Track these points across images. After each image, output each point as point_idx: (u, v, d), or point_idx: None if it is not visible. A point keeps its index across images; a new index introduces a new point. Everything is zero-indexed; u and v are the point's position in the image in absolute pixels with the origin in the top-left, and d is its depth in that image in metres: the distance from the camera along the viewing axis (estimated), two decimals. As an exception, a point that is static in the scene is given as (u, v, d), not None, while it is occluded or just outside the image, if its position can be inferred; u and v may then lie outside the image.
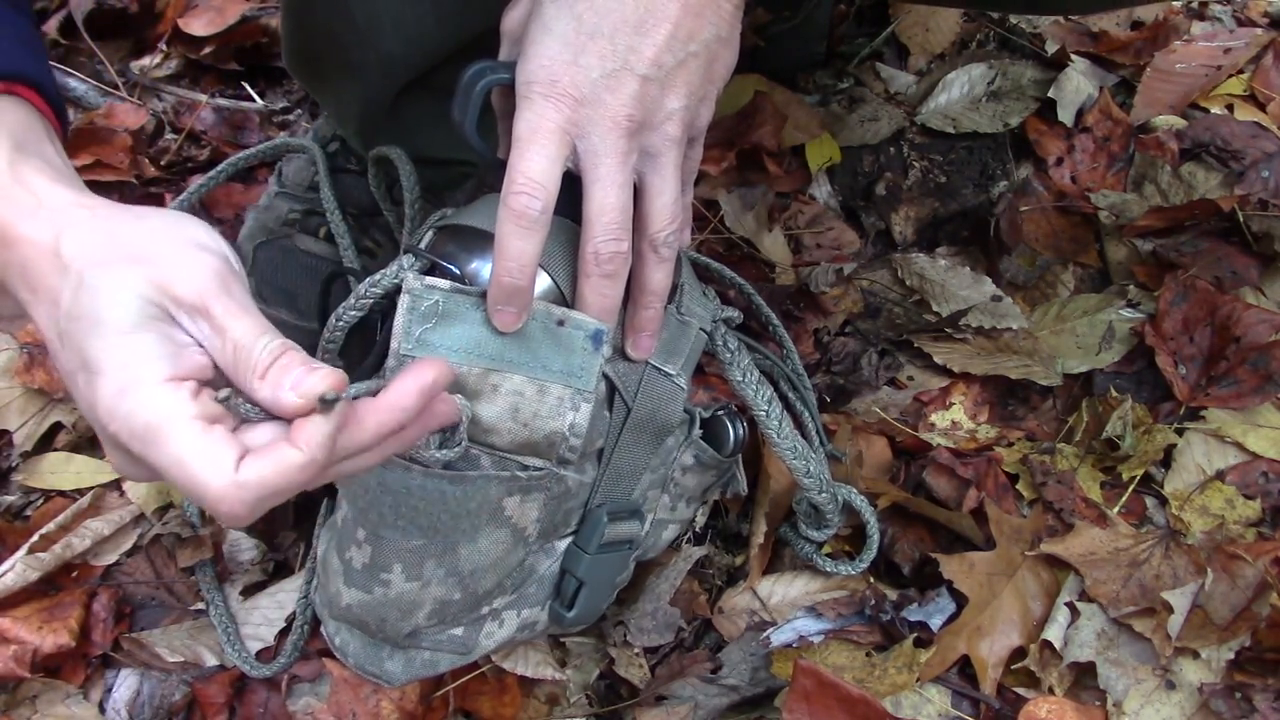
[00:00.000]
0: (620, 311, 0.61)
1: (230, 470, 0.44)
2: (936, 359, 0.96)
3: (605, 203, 0.56)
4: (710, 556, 0.88)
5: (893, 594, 0.82)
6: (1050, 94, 1.13)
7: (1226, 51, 1.17)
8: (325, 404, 0.45)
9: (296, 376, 0.46)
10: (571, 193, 0.56)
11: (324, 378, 0.46)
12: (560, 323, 0.58)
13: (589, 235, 0.56)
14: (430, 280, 0.56)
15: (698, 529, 0.87)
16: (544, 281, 0.60)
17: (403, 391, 0.48)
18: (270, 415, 0.47)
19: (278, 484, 0.45)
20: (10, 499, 0.92)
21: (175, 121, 1.23)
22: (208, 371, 0.47)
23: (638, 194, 0.58)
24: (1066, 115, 1.13)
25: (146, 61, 1.29)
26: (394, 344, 0.56)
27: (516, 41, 0.58)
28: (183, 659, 0.82)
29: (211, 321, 0.47)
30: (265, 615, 0.84)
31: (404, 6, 0.76)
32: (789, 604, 0.83)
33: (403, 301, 0.56)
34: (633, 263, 0.59)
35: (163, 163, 1.18)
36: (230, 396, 0.47)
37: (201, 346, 0.48)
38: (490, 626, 0.68)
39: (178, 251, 0.48)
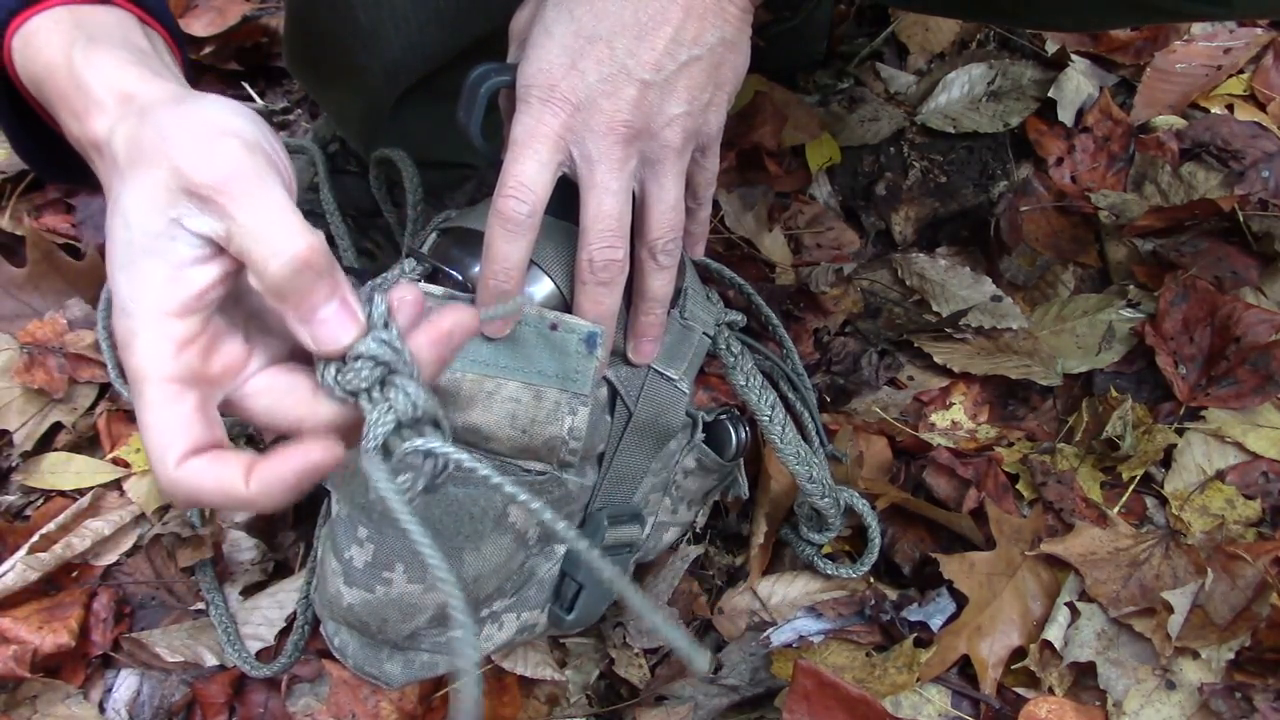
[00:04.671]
0: (623, 316, 0.61)
1: (173, 460, 0.41)
2: (936, 359, 0.96)
3: (600, 210, 0.55)
4: (710, 557, 0.88)
5: (893, 594, 0.82)
6: (1050, 94, 1.13)
7: (1226, 51, 1.17)
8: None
9: (322, 311, 0.42)
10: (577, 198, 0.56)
11: (351, 335, 0.41)
12: (553, 327, 0.58)
13: (584, 242, 0.56)
14: (424, 286, 0.56)
15: (698, 529, 0.87)
16: (547, 286, 0.60)
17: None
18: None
19: (209, 499, 0.42)
20: (10, 499, 0.92)
21: (175, 121, 1.23)
22: (212, 290, 0.43)
23: (637, 200, 0.58)
24: (1066, 115, 1.13)
25: (146, 61, 1.29)
26: None
27: (523, 44, 0.58)
28: (183, 659, 0.82)
29: (220, 209, 0.42)
30: (265, 615, 0.84)
31: (407, 10, 0.76)
32: (789, 604, 0.83)
33: None
34: (633, 269, 0.59)
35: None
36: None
37: (221, 251, 0.43)
38: (490, 629, 0.68)
39: (196, 138, 0.43)
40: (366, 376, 0.41)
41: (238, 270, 0.43)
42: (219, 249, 0.43)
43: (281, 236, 0.41)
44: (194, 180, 0.42)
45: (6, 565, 0.83)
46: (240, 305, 0.45)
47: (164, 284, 0.42)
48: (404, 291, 0.44)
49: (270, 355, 0.45)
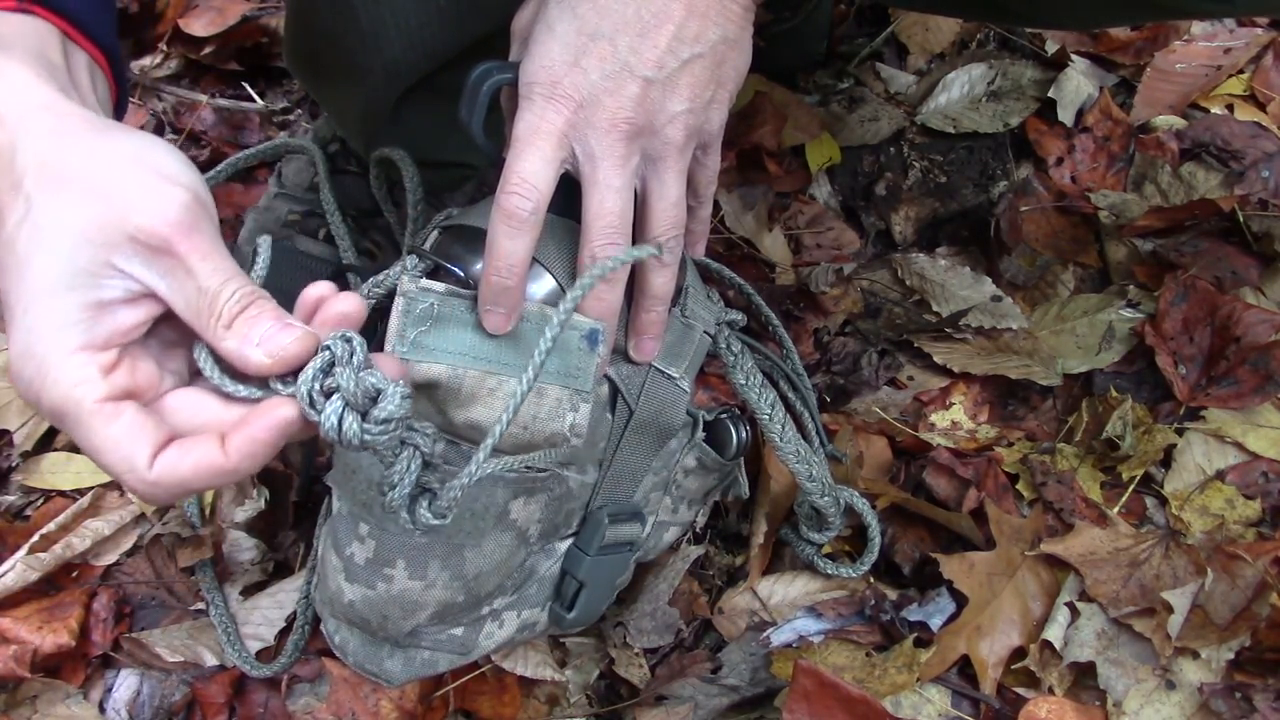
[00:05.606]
0: (624, 314, 0.61)
1: (144, 466, 0.41)
2: (936, 359, 0.96)
3: (602, 207, 0.56)
4: (710, 557, 0.88)
5: (893, 594, 0.82)
6: (1050, 94, 1.13)
7: (1226, 51, 1.17)
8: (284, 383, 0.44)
9: (266, 330, 0.44)
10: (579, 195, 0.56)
11: (297, 338, 0.44)
12: None
13: (586, 239, 0.56)
14: (425, 283, 0.56)
15: (698, 529, 0.87)
16: (548, 284, 0.60)
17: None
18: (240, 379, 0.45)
19: (195, 482, 0.42)
20: (10, 499, 0.92)
21: (175, 122, 1.23)
22: (137, 330, 0.44)
23: (639, 198, 0.58)
24: (1066, 115, 1.13)
25: (147, 62, 1.29)
26: (387, 346, 0.56)
27: (525, 42, 0.58)
28: (183, 659, 0.82)
29: (175, 260, 0.43)
30: (265, 615, 0.84)
31: (409, 10, 0.76)
32: (789, 604, 0.83)
33: (397, 304, 0.56)
34: (634, 266, 0.59)
35: (163, 163, 1.18)
36: (200, 352, 0.45)
37: (152, 294, 0.44)
38: (490, 627, 0.68)
39: (142, 182, 0.44)
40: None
41: (163, 314, 0.45)
42: (150, 294, 0.44)
43: (231, 295, 0.44)
44: (144, 229, 0.43)
45: (6, 565, 0.83)
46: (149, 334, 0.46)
47: (87, 320, 0.42)
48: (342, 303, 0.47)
49: (176, 377, 0.47)
